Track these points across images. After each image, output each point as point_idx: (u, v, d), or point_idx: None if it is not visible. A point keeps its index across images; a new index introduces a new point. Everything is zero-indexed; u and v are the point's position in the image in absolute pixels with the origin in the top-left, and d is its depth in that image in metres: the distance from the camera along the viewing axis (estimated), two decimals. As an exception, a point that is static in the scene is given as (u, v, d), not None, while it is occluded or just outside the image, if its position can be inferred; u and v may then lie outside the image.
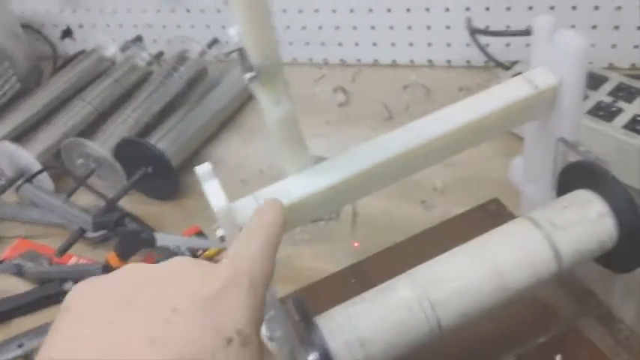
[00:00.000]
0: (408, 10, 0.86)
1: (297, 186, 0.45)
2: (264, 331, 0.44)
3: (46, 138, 0.84)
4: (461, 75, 0.87)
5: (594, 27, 0.80)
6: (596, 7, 0.78)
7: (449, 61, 0.89)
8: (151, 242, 0.68)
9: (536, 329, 0.52)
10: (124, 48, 0.96)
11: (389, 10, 0.87)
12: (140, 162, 0.77)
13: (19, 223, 0.80)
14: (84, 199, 0.77)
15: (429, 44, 0.89)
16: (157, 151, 0.76)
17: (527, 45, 0.50)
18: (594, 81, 0.71)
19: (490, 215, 0.62)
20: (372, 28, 0.90)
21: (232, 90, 0.87)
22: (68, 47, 1.09)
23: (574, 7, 0.79)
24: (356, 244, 0.67)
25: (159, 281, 0.32)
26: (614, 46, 0.80)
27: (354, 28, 0.91)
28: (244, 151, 0.84)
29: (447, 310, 0.42)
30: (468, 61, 0.88)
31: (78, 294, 0.32)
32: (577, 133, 0.50)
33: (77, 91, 0.91)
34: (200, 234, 0.71)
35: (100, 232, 0.72)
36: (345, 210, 0.69)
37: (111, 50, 0.97)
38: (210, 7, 0.95)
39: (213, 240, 0.68)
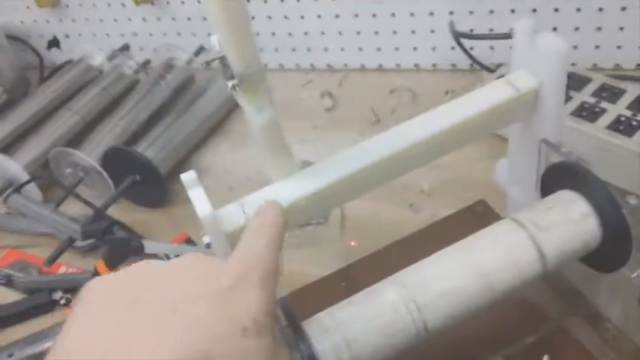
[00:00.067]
0: (393, 14, 0.87)
1: (283, 191, 0.45)
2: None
3: (34, 148, 0.84)
4: (447, 78, 0.87)
5: (577, 29, 0.80)
6: (578, 9, 0.79)
7: (434, 65, 0.90)
8: (139, 250, 0.68)
9: (524, 330, 0.52)
10: (110, 57, 0.97)
11: (374, 16, 0.88)
12: (128, 170, 0.77)
13: (7, 233, 0.80)
14: (72, 208, 0.77)
15: (415, 48, 0.89)
16: (144, 159, 0.76)
17: (511, 48, 0.51)
18: (578, 82, 0.72)
19: (477, 217, 0.62)
20: (358, 33, 0.90)
21: (219, 97, 0.88)
22: (55, 57, 1.09)
23: (556, 10, 0.79)
24: (353, 243, 0.67)
25: (173, 275, 0.33)
26: (597, 47, 0.81)
27: (340, 33, 0.91)
28: (232, 157, 0.84)
29: (433, 313, 0.43)
30: (453, 65, 0.89)
31: (94, 288, 0.33)
32: (559, 134, 0.51)
33: (64, 100, 0.91)
34: (189, 241, 0.71)
35: (89, 241, 0.72)
36: (334, 214, 0.70)
37: (98, 59, 0.97)
38: (196, 15, 0.96)
39: (201, 247, 0.67)
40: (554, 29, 0.81)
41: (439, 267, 0.44)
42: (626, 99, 0.68)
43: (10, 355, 0.63)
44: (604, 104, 0.68)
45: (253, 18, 0.92)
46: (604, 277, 0.49)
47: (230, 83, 0.41)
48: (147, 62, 0.97)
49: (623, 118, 0.66)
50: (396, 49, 0.90)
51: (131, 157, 0.77)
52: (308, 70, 0.96)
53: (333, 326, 0.41)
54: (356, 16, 0.89)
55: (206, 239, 0.43)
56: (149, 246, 0.68)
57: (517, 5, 0.80)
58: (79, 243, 0.72)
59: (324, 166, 0.47)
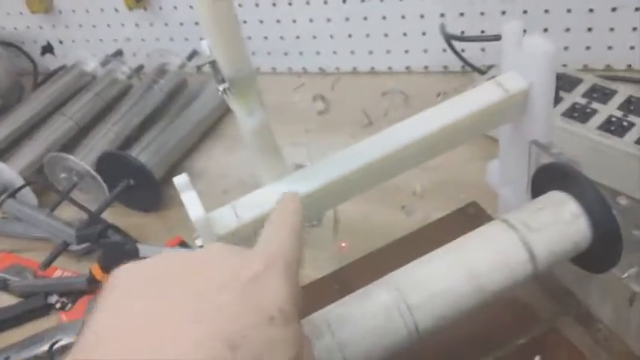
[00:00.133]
0: (384, 17, 0.87)
1: (275, 194, 0.45)
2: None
3: (29, 153, 0.84)
4: (438, 80, 0.88)
5: (567, 30, 0.81)
6: (569, 10, 0.79)
7: (426, 67, 0.90)
8: (134, 254, 0.68)
9: (516, 330, 0.52)
10: (104, 62, 0.97)
11: (365, 19, 0.88)
12: (122, 174, 0.77)
13: (2, 237, 0.80)
14: (67, 212, 0.77)
15: (406, 51, 0.90)
16: (138, 164, 0.77)
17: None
18: (569, 83, 0.72)
19: (469, 218, 0.63)
20: (350, 36, 0.91)
21: (212, 101, 0.88)
22: (49, 63, 1.09)
23: (547, 11, 0.80)
24: (343, 245, 0.67)
25: (200, 264, 0.33)
26: (588, 48, 0.82)
27: (332, 36, 0.92)
28: (225, 161, 0.84)
29: (424, 314, 0.43)
30: (445, 67, 0.89)
31: (123, 274, 0.33)
32: (549, 135, 0.51)
33: (58, 106, 0.92)
34: (183, 244, 0.71)
35: (84, 245, 0.72)
36: (327, 216, 0.70)
37: (91, 65, 0.97)
38: (189, 20, 0.96)
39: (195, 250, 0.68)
40: (545, 30, 0.81)
41: (430, 268, 0.45)
42: (617, 99, 0.69)
43: (6, 359, 0.63)
44: (595, 105, 0.69)
45: (245, 22, 0.93)
46: (595, 277, 0.49)
47: (221, 87, 0.42)
48: (140, 67, 0.97)
49: (614, 119, 0.67)
50: (388, 51, 0.91)
51: (125, 161, 0.77)
52: (300, 73, 0.97)
53: (325, 328, 0.41)
54: (347, 19, 0.89)
55: (199, 242, 0.43)
56: (143, 249, 0.68)
57: (508, 7, 0.81)
58: (74, 247, 0.73)
59: (317, 169, 0.47)
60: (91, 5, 1.00)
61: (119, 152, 0.79)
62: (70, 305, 0.68)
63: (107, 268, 0.67)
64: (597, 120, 0.67)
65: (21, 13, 1.04)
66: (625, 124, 0.66)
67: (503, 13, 0.81)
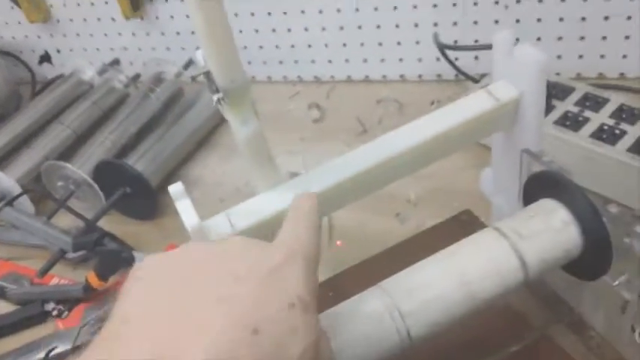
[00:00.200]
0: (379, 26, 0.88)
1: (270, 202, 0.46)
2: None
3: (26, 161, 0.85)
4: (432, 89, 0.89)
5: (560, 38, 0.81)
6: (561, 19, 0.80)
7: (420, 76, 0.91)
8: (130, 261, 0.68)
9: (508, 338, 0.52)
10: (101, 71, 0.97)
11: (360, 28, 0.89)
12: (118, 183, 0.78)
13: (0, 245, 0.80)
14: (64, 220, 0.78)
15: (400, 59, 0.90)
16: (134, 172, 0.77)
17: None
18: (561, 91, 0.72)
19: (462, 226, 0.63)
20: (344, 45, 0.91)
21: (208, 110, 0.88)
22: (46, 72, 1.10)
23: (539, 20, 0.81)
24: (338, 243, 0.68)
25: (223, 254, 0.34)
26: (580, 57, 0.82)
27: (327, 45, 0.92)
28: (221, 169, 0.85)
29: (416, 320, 0.43)
30: (438, 75, 0.90)
31: (147, 264, 0.34)
32: (540, 143, 0.51)
33: (56, 114, 0.92)
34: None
35: (80, 253, 0.73)
36: (322, 224, 0.70)
37: (88, 74, 0.98)
38: (185, 30, 0.97)
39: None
40: (538, 39, 0.82)
41: (422, 275, 0.45)
42: (609, 108, 0.69)
43: (3, 366, 0.64)
44: (587, 113, 0.69)
45: (241, 32, 0.94)
46: (587, 285, 0.49)
47: (215, 97, 0.42)
48: (137, 76, 0.98)
49: (606, 127, 0.67)
50: (382, 60, 0.91)
51: (122, 169, 0.78)
52: (295, 82, 0.97)
53: (318, 335, 0.42)
54: (342, 28, 0.90)
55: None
56: (139, 257, 0.68)
57: (501, 16, 0.82)
58: (71, 255, 0.73)
59: (311, 177, 0.47)
60: (88, 15, 1.01)
61: (116, 161, 0.80)
62: (66, 313, 0.69)
63: (103, 276, 0.67)
64: (589, 128, 0.67)
65: (19, 23, 1.05)
66: (617, 132, 0.66)
67: (496, 22, 0.82)
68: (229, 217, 0.45)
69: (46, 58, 1.08)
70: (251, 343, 0.29)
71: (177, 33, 0.98)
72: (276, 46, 0.95)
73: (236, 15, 0.92)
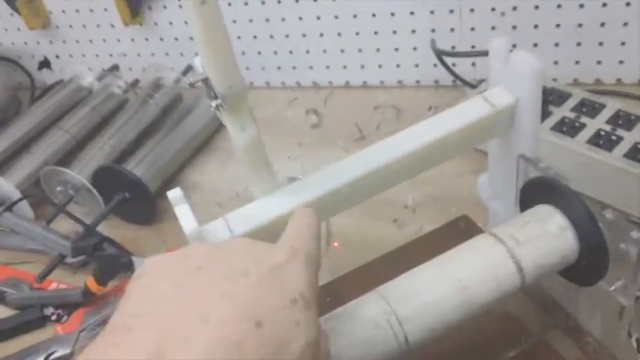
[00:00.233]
0: (376, 33, 0.88)
1: (269, 207, 0.46)
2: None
3: (26, 166, 0.85)
4: (430, 94, 0.89)
5: (557, 44, 0.82)
6: (558, 25, 0.80)
7: (418, 82, 0.91)
8: (129, 266, 0.68)
9: (506, 343, 0.53)
10: (100, 77, 0.98)
11: (357, 34, 0.89)
12: (117, 188, 0.78)
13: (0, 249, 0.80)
14: (63, 225, 0.78)
15: (398, 65, 0.91)
16: (133, 177, 0.77)
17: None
18: (558, 97, 0.72)
19: (460, 231, 0.63)
20: (342, 51, 0.92)
21: (207, 115, 0.89)
22: (46, 77, 1.10)
23: (536, 26, 0.81)
24: (336, 244, 0.68)
25: (225, 252, 0.34)
26: (577, 63, 0.83)
27: (325, 51, 0.93)
28: (220, 174, 0.85)
29: (414, 325, 0.43)
30: (436, 81, 0.90)
31: (151, 263, 0.34)
32: (536, 149, 0.51)
33: (55, 120, 0.93)
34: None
35: (80, 258, 0.73)
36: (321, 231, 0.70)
37: (88, 79, 0.98)
38: (184, 36, 0.97)
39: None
40: (535, 45, 0.82)
41: (419, 280, 0.45)
42: (606, 114, 0.69)
43: (2, 370, 0.64)
44: (584, 119, 0.69)
45: (239, 38, 0.94)
46: (584, 290, 0.49)
47: (214, 103, 0.43)
48: (135, 82, 0.98)
49: (602, 133, 0.67)
50: (380, 66, 0.92)
51: (120, 175, 0.78)
52: (294, 87, 0.98)
53: (316, 340, 0.42)
54: (340, 34, 0.90)
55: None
56: (138, 262, 0.69)
57: (497, 22, 0.82)
58: (70, 259, 0.73)
59: (309, 182, 0.47)
60: (87, 21, 1.01)
61: (115, 166, 0.80)
62: (65, 317, 0.69)
63: (102, 281, 0.68)
64: (586, 134, 0.68)
65: (18, 29, 1.05)
66: (613, 138, 0.66)
67: (493, 28, 0.83)
68: (227, 222, 0.45)
69: (45, 63, 1.09)
70: (255, 336, 0.29)
71: (176, 39, 0.99)
72: (275, 52, 0.95)
73: (234, 21, 0.92)
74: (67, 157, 0.87)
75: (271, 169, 0.47)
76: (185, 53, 0.99)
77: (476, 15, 0.82)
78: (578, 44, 0.81)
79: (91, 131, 0.91)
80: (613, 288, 0.46)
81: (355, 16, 0.88)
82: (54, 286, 0.72)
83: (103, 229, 0.76)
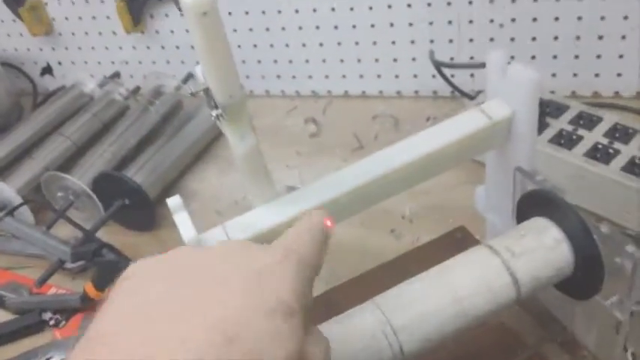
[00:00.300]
0: (375, 43, 0.89)
1: (267, 215, 0.46)
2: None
3: (27, 172, 0.85)
4: (428, 105, 0.89)
5: (555, 57, 0.82)
6: (556, 38, 0.81)
7: (416, 92, 0.92)
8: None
9: (501, 356, 0.53)
10: (101, 84, 0.98)
11: (357, 44, 0.90)
12: (117, 194, 0.78)
13: (0, 254, 0.81)
14: (63, 230, 0.78)
15: (397, 76, 0.91)
16: (133, 184, 0.78)
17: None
18: (556, 109, 0.72)
19: (457, 242, 0.64)
20: (341, 61, 0.92)
21: (207, 123, 0.89)
22: (48, 84, 1.10)
23: (534, 38, 0.82)
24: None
25: (211, 258, 0.33)
26: (575, 75, 0.83)
27: (324, 61, 0.93)
28: (219, 182, 0.85)
29: (409, 336, 0.43)
30: (434, 92, 0.91)
31: (135, 270, 0.33)
32: (533, 162, 0.52)
33: (57, 126, 0.93)
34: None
35: (79, 263, 0.73)
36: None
37: (89, 86, 0.99)
38: (185, 44, 0.98)
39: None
40: (533, 57, 0.83)
41: (415, 291, 0.45)
42: (603, 127, 0.69)
43: (0, 375, 0.64)
44: (581, 132, 0.69)
45: (240, 47, 0.95)
46: (580, 304, 0.50)
47: (214, 113, 0.43)
48: (137, 89, 0.99)
49: (600, 146, 0.67)
50: (379, 76, 0.92)
51: (121, 181, 0.79)
52: (293, 96, 0.98)
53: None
54: (339, 44, 0.91)
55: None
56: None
57: (496, 34, 0.83)
58: (69, 265, 0.73)
59: (307, 191, 0.48)
60: (90, 28, 1.02)
61: (115, 173, 0.81)
62: (63, 322, 0.69)
63: (101, 287, 0.68)
64: (583, 147, 0.68)
65: (21, 35, 1.06)
66: (611, 151, 0.66)
67: (492, 39, 0.83)
68: (226, 230, 0.45)
69: (47, 70, 1.09)
70: (224, 350, 0.28)
71: (177, 47, 0.99)
72: (275, 61, 0.96)
73: (235, 30, 0.93)
74: (67, 163, 0.87)
75: (270, 178, 0.48)
76: (186, 61, 1.00)
77: (474, 26, 0.83)
78: (576, 57, 0.82)
79: (91, 137, 0.92)
80: (608, 302, 0.46)
81: (354, 26, 0.88)
82: (53, 291, 0.73)
83: (102, 234, 0.76)
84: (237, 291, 0.30)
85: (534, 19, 0.80)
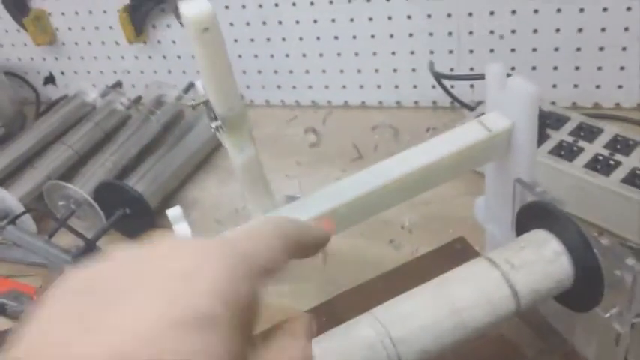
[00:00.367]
0: (375, 53, 0.89)
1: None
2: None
3: (30, 181, 0.86)
4: (428, 115, 0.89)
5: (555, 68, 0.82)
6: (556, 49, 0.81)
7: (416, 102, 0.92)
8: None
9: (502, 367, 0.53)
10: (103, 93, 0.99)
11: (357, 54, 0.90)
12: (118, 203, 0.79)
13: (1, 262, 0.81)
14: (65, 239, 0.78)
15: (396, 86, 0.91)
16: (134, 193, 0.78)
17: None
18: (556, 121, 0.72)
19: (456, 253, 0.63)
20: (341, 71, 0.93)
21: (208, 132, 0.88)
22: (51, 93, 1.11)
23: (534, 49, 0.82)
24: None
25: (137, 263, 0.28)
26: (576, 86, 0.83)
27: (324, 71, 0.94)
28: (219, 191, 0.85)
29: (407, 348, 0.43)
30: (434, 102, 0.91)
31: (63, 282, 0.28)
32: (533, 174, 0.52)
33: (59, 135, 0.94)
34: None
35: (80, 271, 0.73)
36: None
37: (91, 95, 0.99)
38: (186, 54, 0.99)
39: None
40: (533, 68, 0.83)
41: (414, 303, 0.45)
42: (604, 138, 0.69)
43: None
44: (582, 143, 0.69)
45: (240, 57, 0.95)
46: (580, 316, 0.49)
47: (214, 124, 0.44)
48: (138, 98, 0.99)
49: (600, 158, 0.67)
50: (379, 86, 0.92)
51: (122, 191, 0.79)
52: (293, 106, 0.99)
53: (309, 361, 0.42)
54: (339, 55, 0.91)
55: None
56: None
57: (496, 45, 0.83)
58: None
59: (306, 202, 0.48)
60: (93, 39, 1.02)
61: (116, 182, 0.81)
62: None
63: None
64: (584, 158, 0.68)
65: (25, 45, 1.07)
66: (611, 162, 0.66)
67: (492, 51, 0.83)
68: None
69: (50, 79, 1.10)
70: None
71: (179, 57, 1.00)
72: (275, 71, 0.96)
73: (236, 40, 0.93)
74: (69, 172, 0.88)
75: (269, 189, 0.48)
76: (187, 71, 1.00)
77: (474, 38, 0.83)
78: (577, 68, 0.82)
79: (93, 147, 0.92)
80: (608, 314, 0.46)
81: (355, 37, 0.89)
82: (54, 299, 0.73)
83: (103, 243, 0.77)
84: (145, 304, 0.25)
85: (535, 31, 0.80)
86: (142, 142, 0.89)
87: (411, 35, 0.86)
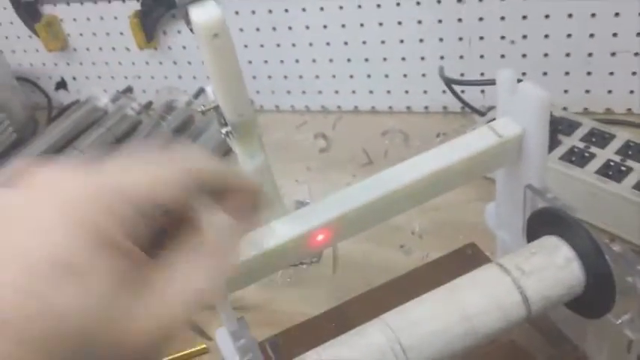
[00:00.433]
0: (385, 59, 0.89)
1: (277, 231, 0.46)
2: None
3: (42, 185, 0.86)
4: (438, 121, 0.89)
5: (567, 73, 0.82)
6: (568, 55, 0.81)
7: (426, 108, 0.92)
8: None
9: (512, 374, 0.53)
10: (115, 98, 0.99)
11: (367, 60, 0.90)
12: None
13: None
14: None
15: (407, 91, 0.91)
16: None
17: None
18: (568, 126, 0.72)
19: (467, 259, 0.63)
20: (351, 76, 0.93)
21: (218, 138, 0.89)
22: (62, 98, 1.12)
23: (546, 55, 0.81)
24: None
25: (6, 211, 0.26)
26: (587, 92, 0.83)
27: (334, 76, 0.94)
28: (230, 196, 0.85)
29: (418, 354, 0.43)
30: (444, 107, 0.91)
31: None
32: (544, 180, 0.51)
33: (71, 140, 0.94)
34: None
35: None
36: (326, 254, 0.71)
37: (103, 101, 1.00)
38: (197, 60, 0.99)
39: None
40: (545, 74, 0.82)
41: (424, 309, 0.45)
42: (616, 144, 0.69)
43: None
44: (593, 149, 0.69)
45: (250, 62, 0.95)
46: (591, 323, 0.49)
47: (224, 130, 0.44)
48: (149, 104, 1.00)
49: (612, 164, 0.67)
50: (388, 92, 0.92)
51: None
52: (303, 111, 0.99)
53: (319, 367, 0.42)
54: (349, 60, 0.91)
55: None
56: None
57: (507, 50, 0.83)
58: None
59: (316, 207, 0.48)
60: (104, 44, 1.03)
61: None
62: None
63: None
64: (595, 164, 0.67)
65: (37, 51, 1.07)
66: (623, 168, 0.66)
67: (503, 56, 0.83)
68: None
69: (62, 84, 1.11)
70: None
71: (189, 62, 1.00)
72: (285, 77, 0.96)
73: (246, 46, 0.94)
74: (81, 177, 0.88)
75: (279, 194, 0.48)
76: (197, 76, 1.01)
77: (485, 43, 0.83)
78: (589, 73, 0.81)
79: (105, 152, 0.92)
80: (620, 321, 0.45)
81: (364, 42, 0.89)
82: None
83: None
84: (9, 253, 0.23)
85: (546, 36, 0.80)
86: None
87: (421, 40, 0.86)
